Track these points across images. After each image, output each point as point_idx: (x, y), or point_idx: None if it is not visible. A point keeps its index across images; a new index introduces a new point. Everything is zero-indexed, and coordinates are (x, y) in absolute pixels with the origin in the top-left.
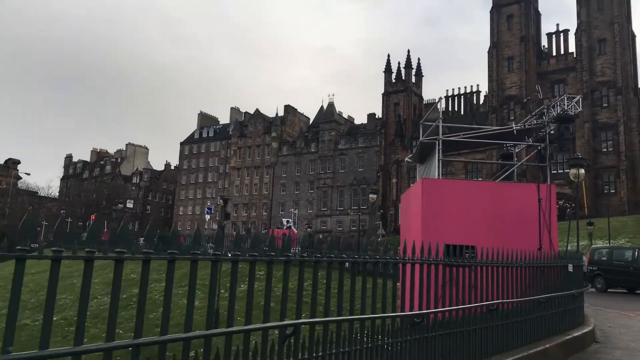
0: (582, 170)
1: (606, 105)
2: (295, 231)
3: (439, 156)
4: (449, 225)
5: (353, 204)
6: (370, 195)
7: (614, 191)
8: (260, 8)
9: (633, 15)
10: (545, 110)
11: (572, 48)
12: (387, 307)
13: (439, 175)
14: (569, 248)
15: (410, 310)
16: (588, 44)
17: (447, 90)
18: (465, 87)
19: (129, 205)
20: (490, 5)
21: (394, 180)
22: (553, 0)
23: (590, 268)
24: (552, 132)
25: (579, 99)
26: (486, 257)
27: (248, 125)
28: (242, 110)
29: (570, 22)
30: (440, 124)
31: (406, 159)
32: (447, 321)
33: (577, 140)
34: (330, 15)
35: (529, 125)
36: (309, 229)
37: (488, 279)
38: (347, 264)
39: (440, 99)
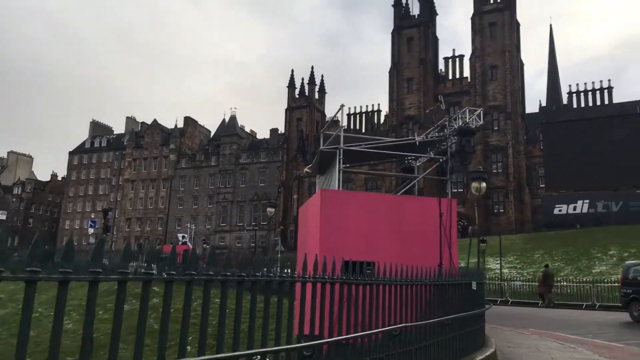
0: (484, 184)
1: (497, 128)
2: (191, 247)
3: (339, 166)
4: (349, 239)
5: (253, 220)
6: (268, 209)
7: (502, 210)
8: (162, 18)
9: (522, 45)
10: (446, 123)
11: (466, 73)
12: (280, 333)
13: (339, 186)
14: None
15: (303, 336)
16: (481, 69)
17: (349, 108)
18: (367, 106)
19: (1, 217)
20: (391, 27)
21: (295, 196)
22: (450, 27)
23: (625, 291)
24: (453, 145)
25: (480, 112)
26: (389, 274)
27: (145, 135)
28: (139, 120)
29: (465, 49)
30: (342, 133)
31: (305, 169)
32: (343, 351)
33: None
34: (234, 31)
35: (431, 137)
36: (205, 245)
37: (391, 299)
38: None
39: (342, 106)
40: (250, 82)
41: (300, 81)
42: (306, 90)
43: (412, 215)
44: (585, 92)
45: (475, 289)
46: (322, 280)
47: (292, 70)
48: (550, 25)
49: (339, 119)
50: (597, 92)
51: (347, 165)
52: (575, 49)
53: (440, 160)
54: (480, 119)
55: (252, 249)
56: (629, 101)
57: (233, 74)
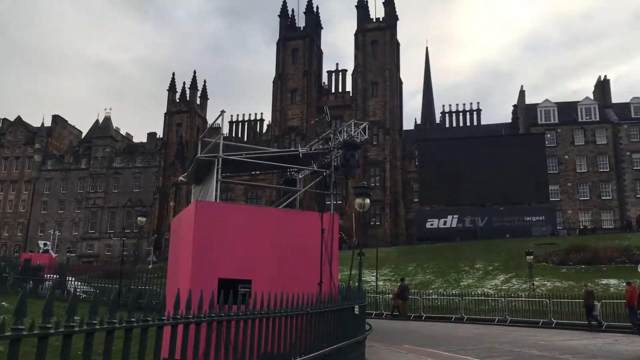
0: (368, 200)
1: (376, 143)
2: (54, 256)
3: (217, 176)
4: (225, 255)
5: (126, 227)
6: (139, 218)
7: (379, 223)
8: (31, 10)
9: (401, 64)
10: (331, 136)
11: (349, 87)
12: None
13: (216, 197)
14: (341, 277)
15: None
16: (363, 85)
17: (232, 116)
18: (250, 115)
19: None
20: (277, 37)
21: (172, 204)
22: (335, 42)
23: None
24: (337, 158)
25: (365, 126)
26: (266, 305)
27: (6, 133)
28: (0, 116)
29: (348, 64)
30: (222, 141)
31: (180, 177)
32: None
33: None
34: (112, 30)
35: (315, 149)
36: (70, 254)
37: (268, 332)
38: None
39: (223, 111)
40: (129, 84)
41: (182, 85)
42: (187, 95)
43: (294, 230)
44: (457, 112)
45: (357, 312)
46: (185, 322)
47: (173, 74)
48: (427, 47)
49: (220, 125)
50: (467, 113)
51: (227, 174)
52: (448, 71)
53: (324, 173)
54: (365, 134)
55: (122, 258)
56: (495, 123)
57: (110, 76)
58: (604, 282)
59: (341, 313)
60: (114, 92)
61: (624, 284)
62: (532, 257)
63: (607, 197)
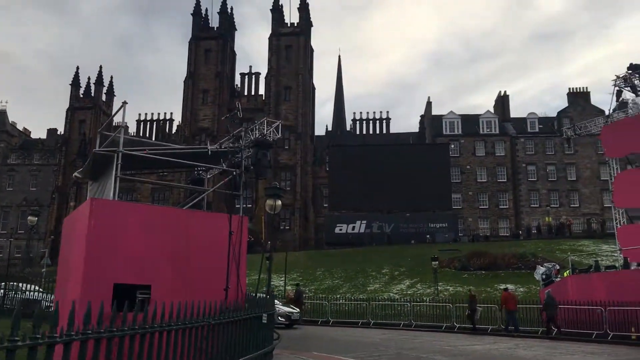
0: (279, 202)
1: (287, 147)
2: None
3: (116, 172)
4: (123, 258)
5: (20, 228)
6: (29, 218)
7: (289, 227)
8: None
9: (315, 71)
10: (242, 134)
11: (262, 91)
12: None
13: (114, 195)
14: (250, 282)
15: None
16: (276, 89)
17: (140, 115)
18: (159, 114)
19: None
20: (190, 36)
21: (72, 204)
22: (249, 44)
23: None
24: (248, 158)
25: (278, 125)
26: (167, 317)
27: None
28: None
29: (262, 67)
30: (122, 135)
31: (75, 173)
32: None
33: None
34: (13, 20)
35: (225, 147)
36: None
37: (168, 346)
38: None
39: (125, 103)
40: (28, 78)
41: (87, 80)
42: (92, 91)
43: (199, 233)
44: (367, 120)
45: (266, 322)
46: (66, 340)
47: (77, 67)
48: (339, 56)
49: (122, 118)
50: (377, 121)
51: (130, 172)
52: (358, 81)
53: (234, 173)
54: (278, 133)
55: (15, 260)
56: (404, 132)
57: (5, 67)
58: (501, 287)
59: (247, 323)
60: (11, 85)
61: (521, 288)
62: (437, 262)
63: (504, 206)
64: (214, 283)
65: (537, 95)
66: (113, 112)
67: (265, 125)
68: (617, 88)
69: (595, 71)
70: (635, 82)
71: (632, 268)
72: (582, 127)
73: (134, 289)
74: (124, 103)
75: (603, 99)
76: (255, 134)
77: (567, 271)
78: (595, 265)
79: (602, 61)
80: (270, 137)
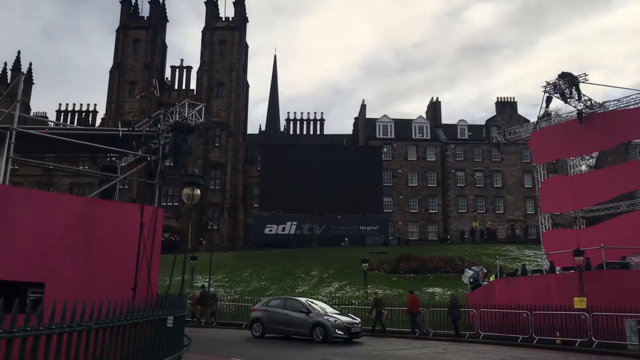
0: (198, 191)
1: (218, 145)
2: None
3: (8, 153)
4: (11, 250)
5: None
6: None
7: (216, 227)
8: None
9: (249, 67)
10: (161, 117)
11: (193, 85)
12: None
13: (4, 179)
14: (169, 282)
15: None
16: (208, 84)
17: (60, 105)
18: (82, 105)
19: None
20: (117, 25)
21: None
22: (181, 37)
23: None
24: (167, 143)
25: (201, 107)
26: (64, 316)
27: None
28: None
29: (194, 61)
30: (17, 110)
31: None
32: None
33: None
34: None
35: (139, 130)
36: None
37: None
38: None
39: (23, 74)
40: None
41: (3, 66)
42: (9, 78)
43: (105, 224)
44: (301, 120)
45: (171, 325)
46: None
47: None
48: (275, 55)
49: (18, 93)
50: (311, 122)
51: (28, 155)
52: (292, 84)
53: (149, 159)
54: (201, 117)
55: None
56: (337, 134)
57: None
58: (430, 290)
59: (152, 325)
60: None
61: (448, 292)
62: (367, 264)
63: (434, 211)
64: (123, 280)
65: (463, 106)
66: (30, 101)
67: (186, 108)
68: (547, 94)
69: (520, 85)
70: (564, 89)
71: (557, 272)
72: (511, 132)
73: (24, 287)
74: (21, 74)
75: (527, 112)
76: (176, 117)
77: (493, 275)
78: (522, 269)
79: (527, 76)
80: (192, 120)
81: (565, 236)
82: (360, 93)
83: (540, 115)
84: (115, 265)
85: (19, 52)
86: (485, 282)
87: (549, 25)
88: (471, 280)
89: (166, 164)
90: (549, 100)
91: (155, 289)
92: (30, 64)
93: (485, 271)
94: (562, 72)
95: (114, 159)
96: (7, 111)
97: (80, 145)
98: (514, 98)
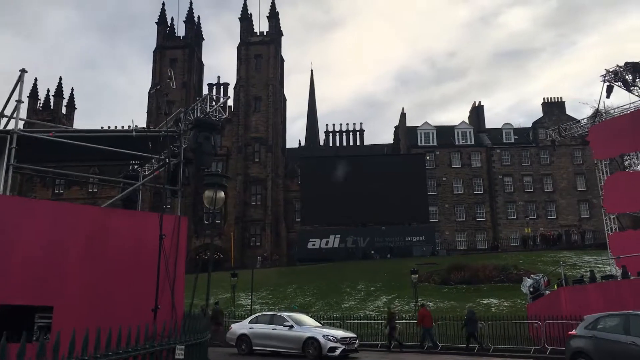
0: (222, 194)
1: (258, 160)
2: None
3: (8, 160)
4: (15, 271)
5: None
6: None
7: (259, 244)
8: None
9: (286, 81)
10: (182, 116)
11: (230, 102)
12: None
13: (6, 188)
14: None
15: None
16: (245, 99)
17: (102, 127)
18: (122, 126)
19: None
20: (154, 47)
21: None
22: (216, 54)
23: None
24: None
25: (226, 101)
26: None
27: None
28: None
29: (231, 78)
30: (19, 112)
31: None
32: None
33: (230, 192)
34: None
35: (156, 131)
36: None
37: None
38: None
39: (24, 70)
40: None
41: (46, 92)
42: (51, 103)
43: (121, 236)
44: (340, 132)
45: (182, 357)
46: None
47: (36, 79)
48: (312, 70)
49: (18, 92)
50: (351, 133)
51: (34, 164)
52: (326, 99)
53: (166, 161)
54: (224, 112)
55: None
56: (377, 144)
57: None
58: (484, 301)
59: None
60: None
61: (505, 303)
62: (417, 275)
63: (481, 219)
64: (140, 302)
65: (503, 112)
66: (73, 124)
67: (208, 103)
68: (607, 83)
69: (560, 87)
70: (627, 77)
71: (632, 277)
72: (567, 128)
73: (31, 311)
74: (22, 71)
75: (574, 113)
76: (197, 112)
77: (557, 283)
78: (590, 275)
79: (567, 78)
80: (215, 116)
81: (635, 238)
82: (396, 105)
83: (597, 108)
84: (133, 284)
85: (60, 79)
86: (548, 291)
87: (587, 25)
88: (531, 289)
89: (191, 168)
90: (609, 89)
91: (181, 310)
92: (72, 89)
93: (547, 279)
94: (627, 62)
95: (136, 166)
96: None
97: (93, 150)
98: (561, 98)
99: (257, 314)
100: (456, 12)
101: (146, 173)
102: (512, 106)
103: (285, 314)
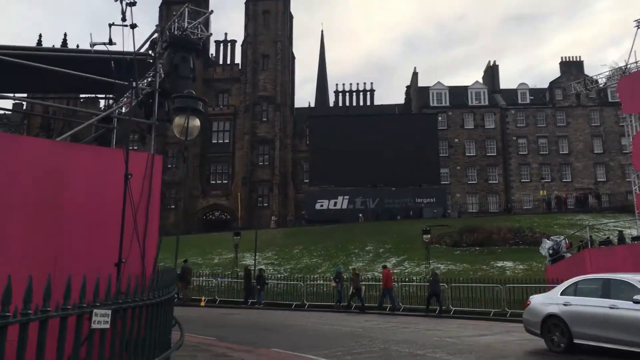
0: (197, 122)
1: (265, 119)
2: None
3: None
4: None
5: None
6: None
7: (267, 204)
8: None
9: (294, 38)
10: (158, 35)
11: (238, 60)
12: None
13: None
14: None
15: None
16: (253, 57)
17: None
18: None
19: None
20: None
21: None
22: (223, 11)
23: None
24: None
25: (208, 16)
26: None
27: None
28: None
29: (238, 35)
30: None
31: None
32: None
33: (237, 152)
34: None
35: (128, 53)
36: None
37: None
38: None
39: None
40: None
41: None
42: None
43: (82, 176)
44: (350, 92)
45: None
46: None
47: (40, 36)
48: (322, 31)
49: None
50: (361, 93)
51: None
52: (335, 63)
53: (134, 85)
54: (207, 29)
55: None
56: (388, 104)
57: None
58: (499, 264)
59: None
60: None
61: (520, 266)
62: (429, 235)
63: (494, 181)
64: (102, 255)
65: (512, 76)
66: None
67: (186, 18)
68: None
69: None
70: None
71: None
72: (592, 81)
73: None
74: None
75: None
76: (174, 28)
77: (579, 245)
78: (619, 236)
79: (578, 43)
80: (195, 34)
81: None
82: (405, 70)
83: (629, 59)
84: (95, 234)
85: (65, 35)
86: (569, 254)
87: None
88: (550, 251)
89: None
90: None
91: (151, 265)
92: (78, 46)
93: (569, 241)
94: None
95: (111, 102)
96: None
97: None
98: (579, 57)
99: (577, 279)
100: None
101: (124, 110)
102: (523, 70)
103: (635, 279)
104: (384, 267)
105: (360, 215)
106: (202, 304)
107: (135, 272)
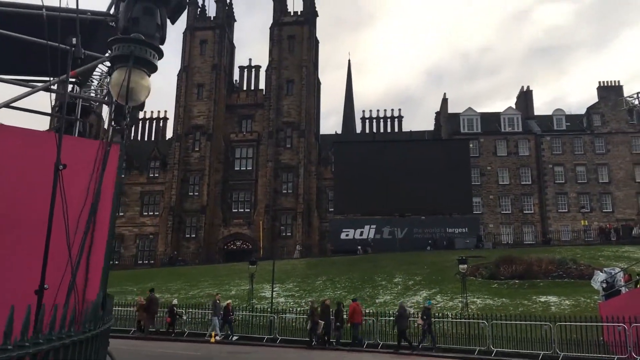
0: (147, 80)
1: (289, 146)
2: None
3: None
4: None
5: None
6: None
7: (290, 234)
8: None
9: (320, 64)
10: None
11: (262, 85)
12: None
13: None
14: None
15: None
16: (277, 83)
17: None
18: (152, 112)
19: None
20: (184, 26)
21: None
22: (248, 35)
23: None
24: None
25: None
26: None
27: None
28: None
29: (263, 60)
30: None
31: None
32: None
33: (260, 179)
34: None
35: (83, 11)
36: None
37: None
38: None
39: None
40: None
41: None
42: None
43: (7, 167)
44: (378, 118)
45: None
46: None
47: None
48: (349, 60)
49: None
50: (389, 120)
51: None
52: (361, 92)
53: (71, 47)
54: None
55: None
56: (417, 130)
57: None
58: (542, 299)
59: None
60: None
61: (566, 301)
62: (465, 265)
63: (529, 211)
64: (24, 277)
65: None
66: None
67: None
68: None
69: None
70: None
71: None
72: None
73: None
74: None
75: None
76: None
77: (638, 279)
78: None
79: (606, 73)
80: None
81: None
82: (430, 100)
83: None
84: (15, 248)
85: None
86: (626, 289)
87: (625, 20)
88: (604, 285)
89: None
90: None
91: (94, 290)
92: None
93: (628, 274)
94: None
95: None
96: None
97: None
98: (619, 82)
99: None
100: (491, 7)
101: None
102: (550, 102)
103: None
104: (354, 299)
105: (359, 247)
106: (213, 340)
107: (70, 301)
